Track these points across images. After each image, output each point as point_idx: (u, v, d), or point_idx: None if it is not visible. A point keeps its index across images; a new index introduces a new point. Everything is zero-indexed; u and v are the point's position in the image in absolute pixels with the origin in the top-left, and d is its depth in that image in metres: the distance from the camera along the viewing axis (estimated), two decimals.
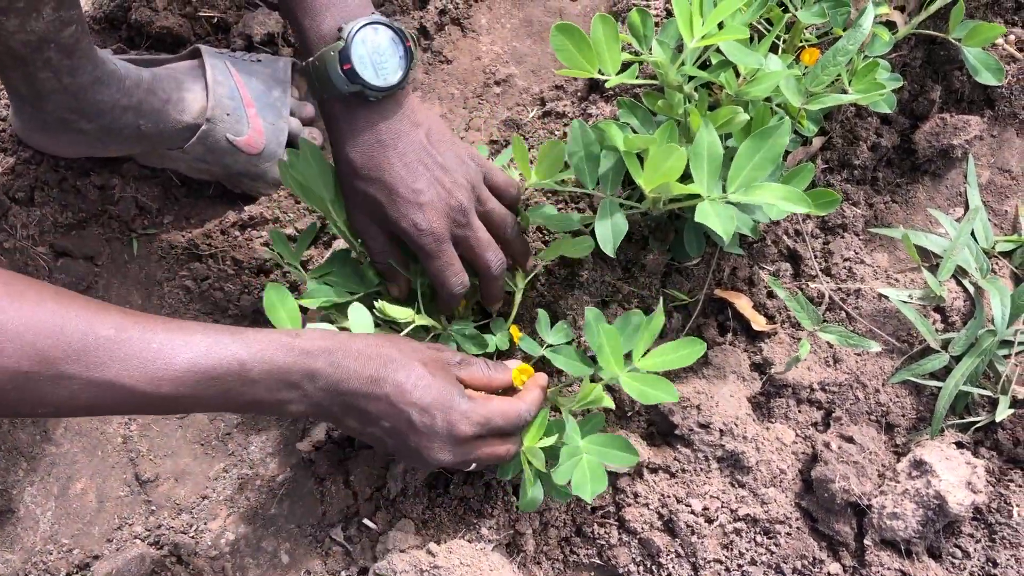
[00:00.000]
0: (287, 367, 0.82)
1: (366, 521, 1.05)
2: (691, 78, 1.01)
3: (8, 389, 0.72)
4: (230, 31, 1.28)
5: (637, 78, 0.94)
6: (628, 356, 0.93)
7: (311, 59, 0.93)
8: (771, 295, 1.14)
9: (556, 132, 1.24)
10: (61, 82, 1.07)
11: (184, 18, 1.27)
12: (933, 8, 1.13)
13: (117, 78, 1.11)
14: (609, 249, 0.95)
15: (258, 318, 1.18)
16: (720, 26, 0.90)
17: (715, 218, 0.88)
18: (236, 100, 1.19)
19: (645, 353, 0.93)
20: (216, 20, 1.28)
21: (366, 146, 0.94)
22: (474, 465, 0.92)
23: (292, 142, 1.23)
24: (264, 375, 0.81)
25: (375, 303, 0.97)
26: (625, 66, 0.94)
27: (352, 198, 0.98)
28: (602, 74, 0.92)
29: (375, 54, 0.92)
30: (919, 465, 1.02)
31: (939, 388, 1.07)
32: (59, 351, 0.73)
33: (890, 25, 1.16)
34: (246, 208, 1.23)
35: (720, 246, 1.11)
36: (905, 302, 1.11)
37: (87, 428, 1.15)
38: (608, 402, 0.93)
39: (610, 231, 0.95)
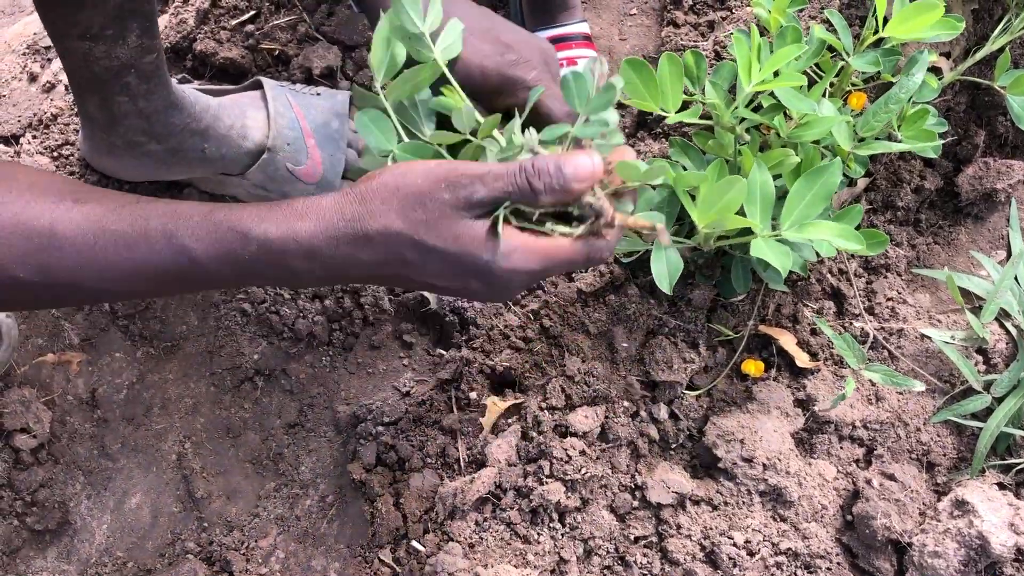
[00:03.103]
0: (249, 263, 0.75)
1: (415, 543, 1.07)
2: (743, 119, 1.04)
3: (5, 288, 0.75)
4: (290, 63, 1.32)
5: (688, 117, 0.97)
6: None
7: None
8: (814, 332, 1.16)
9: None
10: (136, 105, 1.12)
11: (247, 50, 1.32)
12: (979, 56, 1.15)
13: (188, 103, 1.17)
14: (666, 286, 0.97)
15: (311, 341, 1.22)
16: (776, 73, 0.93)
17: (771, 254, 0.91)
18: (296, 131, 1.23)
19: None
20: (277, 52, 1.32)
21: None
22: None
23: (348, 173, 1.26)
24: (223, 267, 0.75)
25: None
26: (684, 105, 0.97)
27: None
28: (663, 111, 0.96)
29: None
30: (961, 505, 1.03)
31: (980, 428, 1.09)
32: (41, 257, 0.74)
33: (936, 71, 1.19)
34: None
35: (765, 283, 1.13)
36: (947, 343, 1.13)
37: (144, 445, 1.19)
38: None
39: (666, 269, 0.97)
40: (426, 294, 1.21)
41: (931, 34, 0.97)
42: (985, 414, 1.10)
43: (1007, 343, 1.13)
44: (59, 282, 0.75)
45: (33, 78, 1.38)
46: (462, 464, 1.11)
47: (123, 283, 0.77)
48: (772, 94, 1.01)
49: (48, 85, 1.35)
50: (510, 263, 0.74)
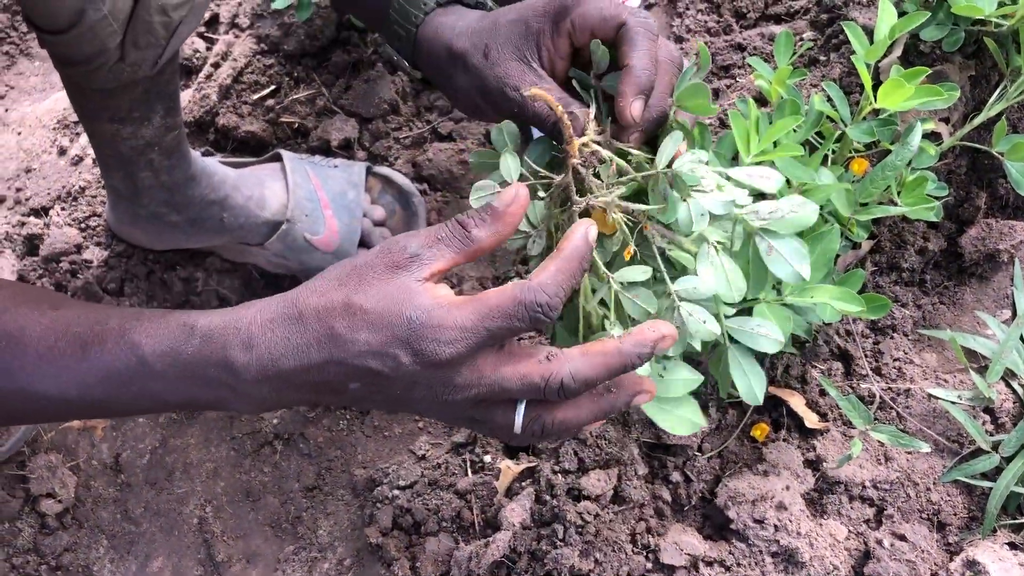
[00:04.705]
0: (190, 359, 0.70)
1: None
2: None
3: None
4: (309, 136, 1.37)
5: None
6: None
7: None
8: (823, 393, 1.18)
9: None
10: (159, 179, 1.17)
11: (267, 123, 1.37)
12: (977, 122, 1.18)
13: (207, 175, 1.22)
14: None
15: (328, 407, 1.24)
16: (775, 144, 0.96)
17: (773, 319, 0.93)
18: (314, 202, 1.27)
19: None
20: (297, 126, 1.37)
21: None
22: (517, 422, 0.70)
23: (364, 241, 1.30)
24: (168, 368, 0.71)
25: None
26: None
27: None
28: None
29: None
30: (972, 565, 1.04)
31: (990, 488, 1.09)
32: None
33: (935, 136, 1.22)
34: None
35: None
36: (954, 403, 1.14)
37: (166, 509, 1.21)
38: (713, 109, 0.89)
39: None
40: None
41: (924, 103, 1.00)
42: (994, 473, 1.11)
43: (1014, 402, 1.15)
44: (21, 387, 0.73)
45: (62, 152, 1.43)
46: (477, 528, 1.13)
47: (77, 387, 0.73)
48: (773, 163, 1.04)
49: (76, 158, 1.41)
50: (435, 318, 0.65)
